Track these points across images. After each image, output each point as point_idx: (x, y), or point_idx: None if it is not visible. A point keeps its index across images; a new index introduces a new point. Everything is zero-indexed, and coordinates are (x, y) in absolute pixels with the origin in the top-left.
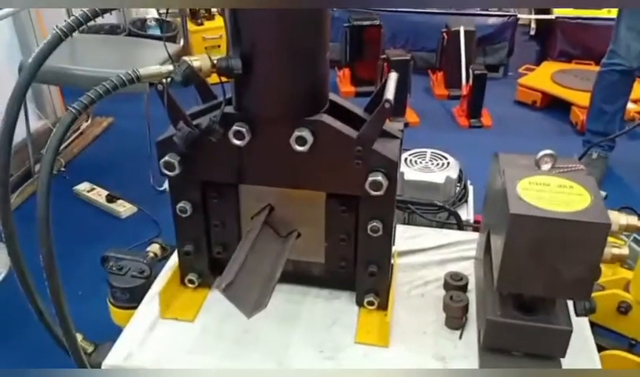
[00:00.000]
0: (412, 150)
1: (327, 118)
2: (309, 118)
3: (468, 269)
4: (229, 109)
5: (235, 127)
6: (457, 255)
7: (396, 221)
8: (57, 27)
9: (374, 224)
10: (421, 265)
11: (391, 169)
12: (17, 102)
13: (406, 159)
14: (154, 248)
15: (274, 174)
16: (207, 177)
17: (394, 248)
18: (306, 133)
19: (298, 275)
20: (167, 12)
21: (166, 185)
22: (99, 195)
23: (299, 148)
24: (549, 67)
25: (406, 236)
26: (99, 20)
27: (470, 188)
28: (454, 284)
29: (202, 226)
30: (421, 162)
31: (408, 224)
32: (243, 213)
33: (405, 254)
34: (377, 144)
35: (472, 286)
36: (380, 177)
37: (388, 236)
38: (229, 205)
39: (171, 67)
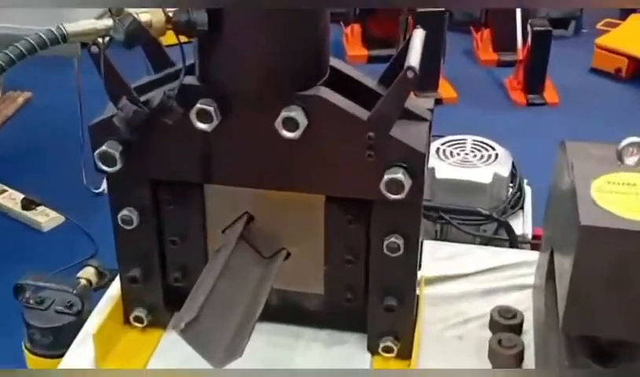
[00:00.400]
0: (446, 137)
1: (327, 93)
2: (302, 93)
3: (523, 301)
4: (190, 80)
5: (199, 105)
6: (508, 283)
7: (424, 236)
8: None
9: (393, 239)
10: (459, 296)
11: (415, 163)
12: None
13: (437, 150)
14: (87, 273)
15: (252, 171)
16: (161, 174)
17: (420, 273)
18: (297, 114)
19: (287, 311)
20: None
21: (104, 186)
22: (12, 199)
23: (287, 135)
24: (638, 22)
25: (437, 257)
26: None
27: (527, 191)
28: (505, 323)
29: (154, 243)
30: (459, 154)
31: (440, 239)
32: (211, 224)
33: (436, 282)
34: (397, 129)
35: (528, 325)
36: (400, 175)
37: (413, 257)
38: (192, 213)
39: (110, 23)
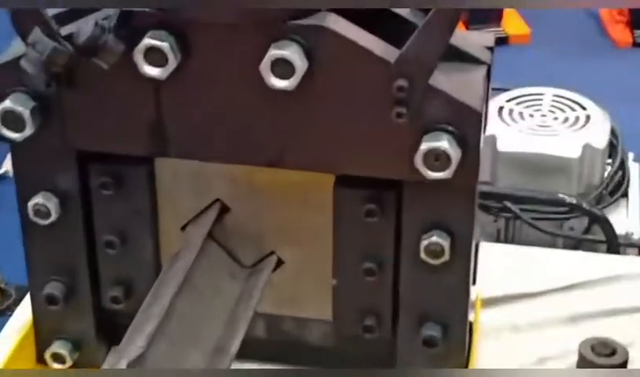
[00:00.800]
0: (514, 90)
1: (336, 22)
2: (298, 23)
3: (627, 332)
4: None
5: (149, 41)
6: (605, 305)
7: (480, 236)
8: None
9: (434, 239)
10: (533, 324)
11: (467, 126)
12: None
13: (501, 110)
14: None
15: (227, 138)
16: (92, 143)
17: (475, 290)
18: (292, 53)
19: (279, 346)
20: None
21: (9, 164)
22: None
23: (278, 84)
24: None
25: (500, 266)
26: None
27: (634, 170)
28: (600, 363)
29: (81, 245)
30: (532, 116)
31: (505, 241)
32: (165, 218)
33: (498, 303)
34: (440, 76)
35: (635, 366)
36: (444, 143)
37: (463, 265)
38: (137, 202)
39: None
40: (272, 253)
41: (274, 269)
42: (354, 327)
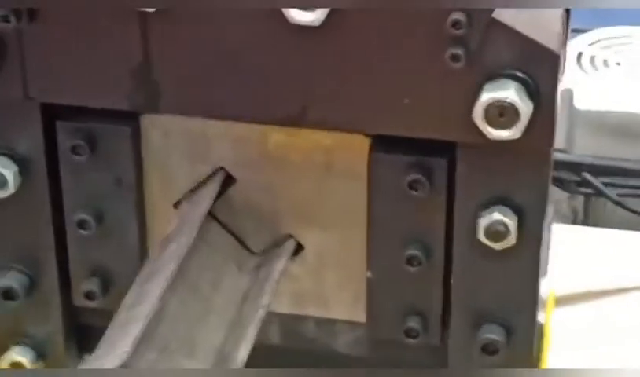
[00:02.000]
0: (597, 31)
1: None
2: None
3: None
4: None
5: None
6: None
7: (553, 216)
8: None
9: (496, 217)
10: (619, 328)
11: (541, 72)
12: None
13: (580, 56)
14: None
15: (233, 90)
16: (63, 95)
17: (547, 284)
18: None
19: (299, 354)
20: None
21: None
22: None
23: (300, 17)
24: None
25: (580, 254)
26: None
27: None
28: None
29: (47, 226)
30: (619, 64)
31: (585, 223)
32: (153, 191)
33: (577, 300)
34: (507, 9)
35: None
36: (511, 94)
37: (531, 252)
38: (118, 169)
39: None
40: (289, 236)
41: (292, 257)
42: (393, 331)
